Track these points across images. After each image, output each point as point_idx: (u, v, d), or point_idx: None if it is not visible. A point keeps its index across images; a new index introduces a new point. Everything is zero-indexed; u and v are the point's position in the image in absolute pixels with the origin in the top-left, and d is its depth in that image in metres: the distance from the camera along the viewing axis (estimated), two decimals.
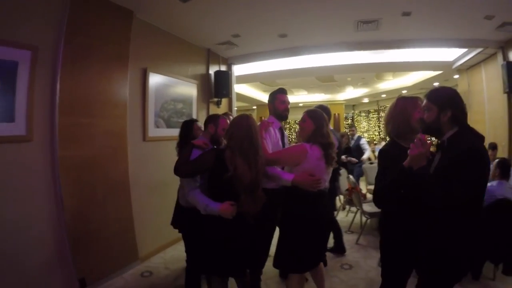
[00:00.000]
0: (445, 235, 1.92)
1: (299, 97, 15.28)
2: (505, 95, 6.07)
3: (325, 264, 4.17)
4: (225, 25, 5.31)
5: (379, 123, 16.74)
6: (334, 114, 15.78)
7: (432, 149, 2.05)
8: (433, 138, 2.24)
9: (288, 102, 3.62)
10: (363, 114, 18.14)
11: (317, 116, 2.87)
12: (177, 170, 2.61)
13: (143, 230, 4.49)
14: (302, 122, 2.94)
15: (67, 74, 3.44)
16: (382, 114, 16.82)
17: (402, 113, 2.34)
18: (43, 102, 3.27)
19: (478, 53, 6.82)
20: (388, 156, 2.29)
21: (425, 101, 2.06)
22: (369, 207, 5.38)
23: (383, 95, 14.25)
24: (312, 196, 2.73)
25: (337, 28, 5.61)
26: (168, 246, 5.12)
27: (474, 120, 7.31)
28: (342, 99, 15.60)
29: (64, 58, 3.40)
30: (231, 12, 4.76)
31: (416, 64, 8.52)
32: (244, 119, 2.61)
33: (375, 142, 15.60)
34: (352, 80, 11.93)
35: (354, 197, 5.58)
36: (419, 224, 2.06)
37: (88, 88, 3.69)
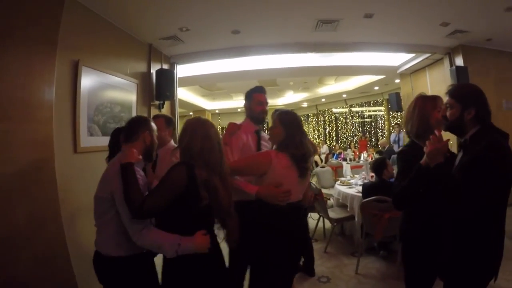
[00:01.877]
0: (470, 238, 1.80)
1: (238, 102, 14.69)
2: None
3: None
4: (173, 15, 4.57)
5: (318, 127, 16.74)
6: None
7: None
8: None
9: (266, 103, 3.14)
10: (302, 118, 17.74)
11: (288, 122, 2.45)
12: (142, 211, 1.81)
13: (85, 265, 3.51)
14: (272, 128, 2.51)
15: None
16: (321, 118, 16.94)
17: (421, 113, 2.24)
18: None
19: (425, 58, 7.14)
20: (407, 157, 2.19)
21: (447, 98, 1.97)
22: (334, 213, 5.20)
23: (323, 99, 14.24)
24: (284, 210, 2.32)
25: (295, 26, 5.29)
26: None
27: None
28: (281, 103, 15.28)
29: None
30: (181, 0, 4.09)
31: (362, 68, 8.59)
32: (207, 126, 2.09)
33: (320, 145, 15.55)
34: (294, 84, 11.67)
35: (317, 204, 5.08)
36: (441, 226, 1.96)
37: (1, 81, 2.68)
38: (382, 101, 13.75)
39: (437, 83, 7.28)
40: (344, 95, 13.32)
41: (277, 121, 2.48)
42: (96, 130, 3.96)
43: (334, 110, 16.71)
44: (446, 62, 6.76)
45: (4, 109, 2.69)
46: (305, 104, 16.13)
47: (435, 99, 2.29)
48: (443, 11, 4.70)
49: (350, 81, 11.46)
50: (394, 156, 6.89)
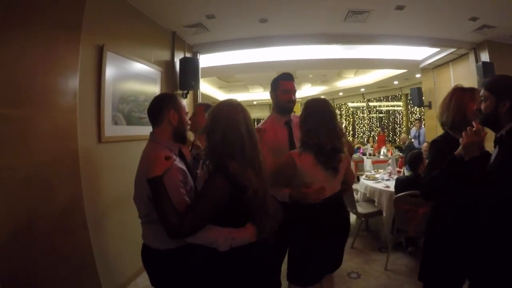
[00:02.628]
0: (502, 237, 1.64)
1: (254, 95, 14.32)
2: None
3: None
4: (200, 1, 4.19)
5: None
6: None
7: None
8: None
9: (294, 91, 2.81)
10: None
11: (311, 113, 2.23)
12: (182, 233, 1.56)
13: (106, 262, 3.26)
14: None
15: None
16: (338, 112, 16.50)
17: (458, 104, 2.16)
18: None
19: (450, 53, 6.78)
20: (440, 148, 2.13)
21: (482, 90, 1.85)
22: (361, 208, 5.00)
23: (340, 93, 13.75)
24: (318, 206, 2.15)
25: (325, 16, 4.90)
26: (139, 273, 3.87)
27: None
28: (297, 97, 14.79)
29: None
30: None
31: (384, 61, 8.22)
32: (239, 110, 1.73)
33: None
34: (313, 77, 11.22)
35: (345, 198, 4.71)
36: (473, 223, 1.81)
37: (24, 66, 2.35)
38: (401, 96, 13.28)
39: (462, 78, 6.74)
40: (362, 89, 12.89)
41: (302, 112, 2.28)
42: (121, 119, 3.64)
43: (350, 104, 16.33)
44: (471, 58, 6.43)
45: (26, 96, 2.40)
46: (322, 97, 15.64)
47: (473, 91, 2.18)
48: (474, 5, 4.44)
49: (369, 75, 11.01)
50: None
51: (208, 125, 1.71)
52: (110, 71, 3.42)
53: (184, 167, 1.82)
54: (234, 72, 9.52)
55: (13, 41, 2.28)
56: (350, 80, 11.69)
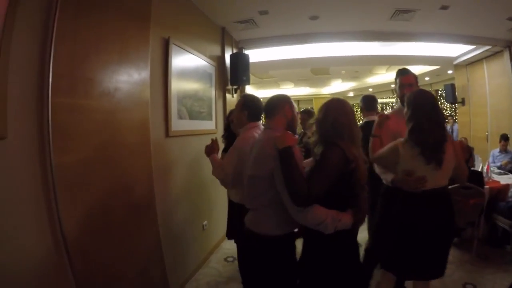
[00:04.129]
0: None
1: (285, 91, 13.88)
2: (510, 90, 5.97)
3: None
4: None
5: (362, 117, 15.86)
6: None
7: None
8: None
9: (411, 84, 2.61)
10: None
11: (416, 105, 2.10)
12: (310, 199, 1.58)
13: (173, 258, 2.99)
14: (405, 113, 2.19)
15: (66, 33, 1.79)
16: None
17: None
18: (26, 76, 1.61)
19: (485, 50, 6.44)
20: None
21: None
22: None
23: (370, 89, 13.10)
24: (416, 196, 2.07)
25: (373, 14, 4.65)
26: (199, 267, 3.67)
27: (476, 113, 7.43)
28: (327, 93, 14.35)
29: (63, 10, 1.75)
30: None
31: (418, 58, 7.76)
32: (345, 102, 1.85)
33: None
34: (345, 73, 10.73)
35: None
36: None
37: (95, 54, 2.04)
38: (431, 92, 12.63)
39: (496, 75, 6.60)
40: (393, 85, 12.30)
41: (406, 104, 2.16)
42: (185, 113, 3.35)
43: (379, 100, 15.42)
44: (506, 55, 6.05)
45: (103, 87, 2.09)
46: (351, 94, 15.03)
47: None
48: (509, 6, 4.25)
49: None
50: None
51: (320, 117, 1.78)
52: (174, 64, 3.12)
53: None
54: (270, 69, 9.15)
55: (90, 29, 1.98)
56: (382, 76, 11.14)
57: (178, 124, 3.16)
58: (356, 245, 1.82)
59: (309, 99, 15.43)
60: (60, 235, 1.72)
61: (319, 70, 10.07)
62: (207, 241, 3.95)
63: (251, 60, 6.15)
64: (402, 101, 2.57)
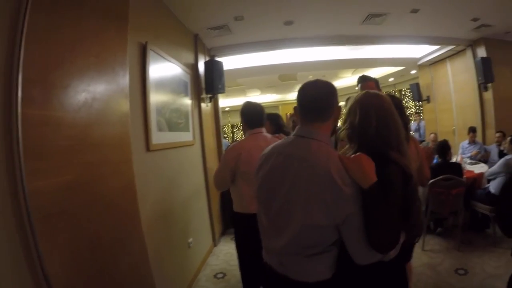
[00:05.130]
0: None
1: (250, 98, 13.65)
2: (475, 86, 6.30)
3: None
4: (231, 2, 3.75)
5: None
6: (286, 114, 14.66)
7: None
8: None
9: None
10: None
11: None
12: (393, 244, 1.20)
13: (162, 281, 2.66)
14: None
15: (39, 33, 1.47)
16: None
17: None
18: None
19: (448, 50, 6.76)
20: None
21: None
22: None
23: None
24: None
25: (346, 19, 4.72)
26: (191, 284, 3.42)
27: (441, 109, 7.76)
28: (292, 98, 14.32)
29: (35, 6, 1.44)
30: None
31: (385, 60, 7.96)
32: (381, 96, 1.44)
33: None
34: (313, 77, 10.63)
35: None
36: None
37: (71, 57, 1.71)
38: (395, 92, 12.87)
39: (459, 73, 6.95)
40: (357, 88, 12.49)
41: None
42: (164, 124, 3.05)
43: (343, 103, 15.62)
44: (469, 53, 6.42)
45: (78, 95, 1.75)
46: None
47: None
48: (476, 7, 4.54)
49: (366, 73, 10.60)
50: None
51: (358, 117, 1.37)
52: (152, 72, 2.83)
53: None
54: (238, 76, 8.99)
55: (65, 28, 1.66)
56: (348, 79, 11.24)
57: (158, 137, 2.85)
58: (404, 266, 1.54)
59: (275, 106, 15.34)
60: (42, 276, 1.38)
61: (287, 76, 10.00)
62: (194, 259, 3.67)
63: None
64: None
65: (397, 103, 1.96)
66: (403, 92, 11.20)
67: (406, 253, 1.55)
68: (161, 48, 3.08)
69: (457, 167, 4.19)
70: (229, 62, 6.66)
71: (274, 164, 1.36)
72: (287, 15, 4.35)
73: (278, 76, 9.84)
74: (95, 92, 1.87)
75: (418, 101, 8.47)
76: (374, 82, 2.83)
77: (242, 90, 12.10)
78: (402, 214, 1.27)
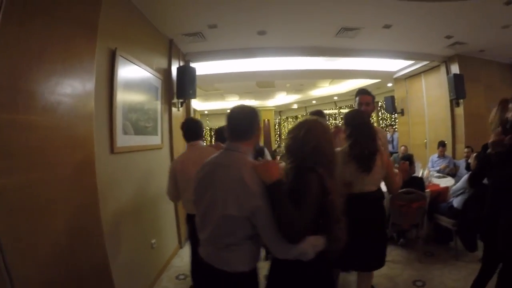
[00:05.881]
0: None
1: (229, 103, 13.94)
2: (447, 101, 6.63)
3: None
4: (205, 10, 3.97)
5: None
6: (264, 120, 14.94)
7: None
8: None
9: (366, 102, 3.16)
10: (290, 119, 17.60)
11: (355, 123, 2.60)
12: (298, 234, 1.49)
13: (123, 280, 2.84)
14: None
15: (9, 41, 1.66)
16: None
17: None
18: None
19: (423, 65, 7.16)
20: None
21: None
22: None
23: (314, 101, 13.61)
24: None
25: (319, 31, 5.03)
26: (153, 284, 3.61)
27: (414, 122, 8.23)
28: (271, 105, 14.67)
29: (7, 15, 1.61)
30: None
31: (361, 72, 8.36)
32: (326, 127, 1.85)
33: None
34: (290, 86, 11.05)
35: None
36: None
37: (42, 65, 1.91)
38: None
39: (433, 88, 7.40)
40: (335, 98, 12.89)
41: (345, 124, 2.58)
42: (130, 128, 3.24)
43: (325, 112, 16.06)
44: (443, 69, 6.82)
45: (43, 100, 1.94)
46: (295, 106, 15.52)
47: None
48: (450, 25, 4.82)
49: (343, 84, 11.00)
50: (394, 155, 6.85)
51: (300, 136, 1.71)
52: (120, 77, 3.03)
53: None
54: (216, 82, 9.18)
55: (34, 36, 1.85)
56: (325, 89, 11.63)
57: (123, 140, 3.05)
58: (330, 275, 1.81)
59: None
60: (3, 266, 1.57)
61: (264, 83, 10.28)
62: (157, 259, 3.85)
63: (198, 73, 6.16)
64: None
65: (366, 117, 2.65)
66: (380, 104, 11.63)
67: (334, 261, 1.79)
68: (131, 54, 3.29)
69: (419, 181, 4.40)
70: (207, 67, 6.92)
71: (206, 171, 1.72)
72: (260, 25, 4.59)
73: (256, 83, 10.09)
74: (60, 96, 2.06)
75: (392, 114, 8.82)
76: (371, 96, 3.19)
77: (220, 94, 12.33)
78: (321, 225, 1.63)
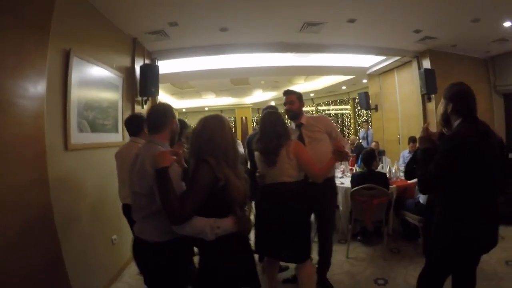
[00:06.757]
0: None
1: (206, 101, 14.21)
2: (419, 96, 6.82)
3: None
4: (164, 9, 4.18)
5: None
6: (242, 118, 15.22)
7: None
8: None
9: (289, 102, 3.45)
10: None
11: (263, 121, 2.99)
12: (183, 218, 1.79)
13: (78, 274, 3.05)
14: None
15: None
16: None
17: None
18: None
19: (395, 60, 7.35)
20: None
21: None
22: None
23: None
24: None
25: (282, 27, 5.18)
26: (112, 282, 3.81)
27: (388, 118, 8.47)
28: (249, 102, 14.96)
29: None
30: None
31: (334, 68, 8.60)
32: (223, 121, 2.09)
33: None
34: (265, 83, 11.35)
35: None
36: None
37: None
38: (348, 100, 13.74)
39: (405, 83, 7.58)
40: (312, 94, 13.22)
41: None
42: (86, 126, 3.48)
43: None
44: (415, 65, 7.00)
45: None
46: (272, 103, 15.77)
47: None
48: (417, 19, 4.89)
49: (318, 81, 11.32)
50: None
51: (197, 130, 2.01)
52: (75, 77, 3.26)
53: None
54: (189, 79, 9.44)
55: None
56: (301, 86, 11.91)
57: (78, 137, 3.29)
58: (248, 251, 2.10)
59: (231, 109, 15.99)
60: None
61: (238, 80, 10.54)
62: (118, 256, 4.06)
63: (169, 70, 6.37)
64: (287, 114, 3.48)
65: (271, 117, 2.90)
66: (356, 100, 12.01)
67: (238, 240, 1.98)
68: (88, 54, 3.53)
69: (382, 177, 4.48)
70: (179, 65, 7.15)
71: (133, 159, 2.05)
72: (221, 22, 4.80)
73: (230, 80, 10.34)
74: (11, 98, 2.32)
75: (366, 110, 9.14)
76: (295, 96, 3.44)
77: (197, 92, 12.55)
78: (221, 208, 1.90)
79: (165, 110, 2.14)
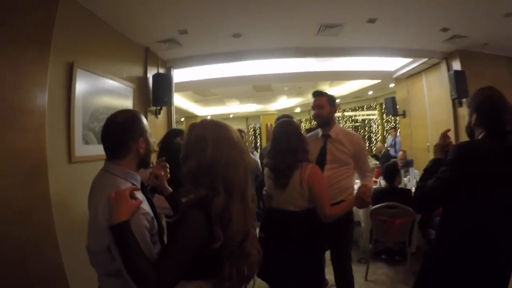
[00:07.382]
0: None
1: (231, 108, 14.35)
2: (449, 101, 6.41)
3: None
4: (172, 17, 4.23)
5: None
6: (267, 124, 15.26)
7: None
8: None
9: (318, 106, 3.02)
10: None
11: (275, 135, 2.62)
12: (160, 286, 1.22)
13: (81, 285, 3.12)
14: None
15: None
16: (314, 122, 16.62)
17: None
18: None
19: (422, 63, 6.97)
20: None
21: None
22: None
23: None
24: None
25: (298, 30, 5.03)
26: None
27: (416, 124, 8.05)
28: (274, 109, 14.99)
29: None
30: (181, 2, 3.80)
31: (358, 73, 8.43)
32: (226, 127, 1.46)
33: None
34: (288, 89, 11.34)
35: None
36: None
37: None
38: (376, 105, 13.51)
39: (434, 87, 7.25)
40: (338, 100, 13.07)
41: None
42: (92, 138, 3.58)
43: None
44: (443, 67, 6.67)
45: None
46: (298, 110, 15.81)
47: None
48: (444, 16, 4.60)
49: (344, 86, 11.20)
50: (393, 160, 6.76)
51: (208, 149, 1.37)
52: (80, 89, 3.37)
53: (147, 205, 1.48)
54: (210, 87, 9.55)
55: None
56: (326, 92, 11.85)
57: (83, 150, 3.39)
58: None
59: (256, 116, 16.08)
60: None
61: (261, 87, 10.57)
62: None
63: (188, 78, 6.45)
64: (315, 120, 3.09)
65: (286, 128, 2.52)
66: (383, 106, 11.78)
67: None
68: (94, 65, 3.65)
69: (406, 193, 4.20)
70: (199, 72, 7.28)
71: (90, 191, 1.64)
72: (233, 28, 4.78)
73: (252, 87, 10.39)
74: (9, 111, 2.44)
75: (393, 116, 8.91)
76: (326, 98, 3.03)
77: (220, 99, 12.70)
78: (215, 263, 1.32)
79: (125, 123, 1.49)
